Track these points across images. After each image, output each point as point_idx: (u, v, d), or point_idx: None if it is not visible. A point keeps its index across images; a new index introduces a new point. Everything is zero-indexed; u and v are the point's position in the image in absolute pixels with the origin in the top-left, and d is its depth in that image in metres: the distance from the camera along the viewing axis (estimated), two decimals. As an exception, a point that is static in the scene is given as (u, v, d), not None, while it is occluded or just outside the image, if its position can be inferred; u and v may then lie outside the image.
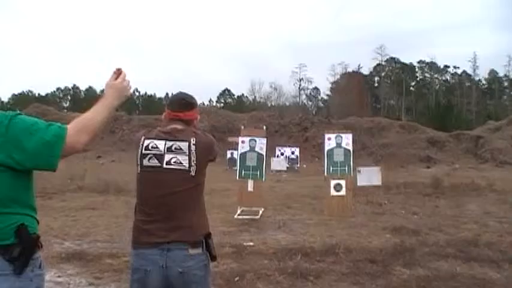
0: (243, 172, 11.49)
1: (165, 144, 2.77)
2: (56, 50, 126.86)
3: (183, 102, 2.94)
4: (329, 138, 11.94)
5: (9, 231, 1.98)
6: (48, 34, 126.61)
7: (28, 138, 1.97)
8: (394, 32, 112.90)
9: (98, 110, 2.25)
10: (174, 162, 2.74)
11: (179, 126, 2.86)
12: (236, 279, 5.81)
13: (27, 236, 2.02)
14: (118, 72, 2.42)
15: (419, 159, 33.89)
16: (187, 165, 2.74)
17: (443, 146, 36.95)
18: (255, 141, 11.56)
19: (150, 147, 2.78)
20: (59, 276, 6.03)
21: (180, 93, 3.04)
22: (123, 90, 2.40)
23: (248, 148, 11.54)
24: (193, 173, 2.75)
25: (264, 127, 12.86)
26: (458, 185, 16.37)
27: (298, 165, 28.82)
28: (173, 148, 2.76)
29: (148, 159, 2.76)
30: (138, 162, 2.80)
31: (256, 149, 11.50)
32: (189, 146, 2.76)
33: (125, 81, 2.42)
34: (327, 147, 11.90)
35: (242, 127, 12.72)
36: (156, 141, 2.79)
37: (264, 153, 11.59)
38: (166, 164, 2.74)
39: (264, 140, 11.70)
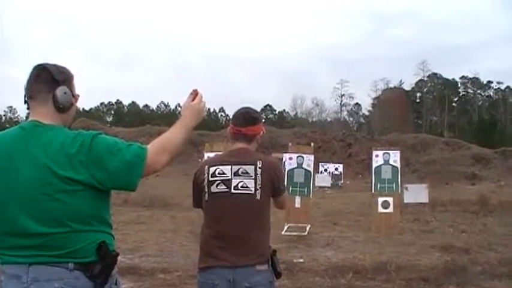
0: (290, 188, 11.58)
1: (231, 168, 2.82)
2: (99, 64, 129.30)
3: (246, 117, 2.96)
4: (377, 155, 11.97)
5: (90, 249, 2.03)
6: (93, 48, 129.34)
7: (110, 158, 2.02)
8: (436, 47, 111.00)
9: (176, 130, 2.28)
10: (242, 186, 2.79)
11: (244, 146, 2.92)
12: (290, 296, 5.94)
13: (108, 253, 2.07)
14: (195, 94, 2.44)
15: (464, 176, 33.32)
16: (253, 189, 2.79)
17: (488, 163, 36.28)
18: (303, 158, 11.68)
19: (217, 173, 2.83)
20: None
21: (244, 108, 3.05)
22: (200, 111, 2.42)
23: (296, 165, 11.65)
24: (258, 197, 2.80)
25: (312, 144, 12.98)
26: (505, 202, 16.09)
27: (342, 182, 28.75)
28: (240, 172, 2.81)
29: (217, 186, 2.82)
30: (206, 190, 2.85)
31: (304, 166, 11.62)
32: (255, 170, 2.82)
33: (201, 103, 2.44)
34: (374, 164, 11.93)
35: (290, 144, 12.86)
36: (222, 167, 2.84)
37: (312, 170, 11.71)
38: (234, 189, 2.80)
39: (312, 157, 11.82)
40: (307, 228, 11.21)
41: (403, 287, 6.34)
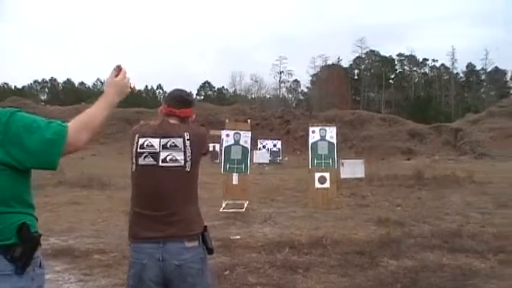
0: (227, 166, 11.50)
1: (160, 142, 2.77)
2: (33, 42, 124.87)
3: (180, 99, 2.94)
4: (313, 131, 12.01)
5: (10, 231, 1.94)
6: (26, 25, 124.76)
7: (28, 136, 1.92)
8: (374, 25, 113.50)
9: (98, 107, 2.21)
10: (170, 159, 2.74)
11: (172, 121, 2.87)
12: (226, 272, 5.83)
13: (30, 235, 1.99)
14: (118, 69, 2.38)
15: (400, 151, 34.25)
16: (182, 162, 2.75)
17: (423, 138, 37.38)
18: (240, 134, 11.58)
19: (145, 145, 2.78)
20: (46, 274, 5.96)
21: (179, 89, 3.04)
22: (124, 87, 2.36)
23: (233, 141, 11.55)
24: (188, 169, 2.76)
25: (249, 121, 12.86)
26: (439, 176, 16.56)
27: (281, 158, 28.94)
28: (168, 145, 2.76)
29: (144, 158, 2.76)
30: (133, 161, 2.80)
31: (241, 143, 11.53)
32: (184, 142, 2.77)
33: (125, 78, 2.38)
34: (311, 140, 11.97)
35: (227, 121, 12.71)
36: (150, 140, 2.78)
37: (249, 147, 11.63)
38: (162, 162, 2.75)
39: (249, 134, 11.74)
40: (245, 205, 11.16)
41: (338, 261, 6.33)
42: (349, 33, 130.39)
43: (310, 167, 11.83)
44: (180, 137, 2.78)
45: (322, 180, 11.55)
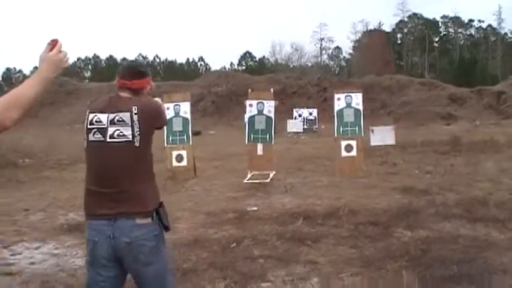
0: (252, 136, 11.36)
1: (108, 117, 2.71)
2: (75, 20, 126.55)
3: (132, 71, 2.86)
4: (338, 99, 11.69)
5: None
6: (68, 4, 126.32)
7: None
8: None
9: (30, 84, 2.15)
10: (118, 135, 2.68)
11: (123, 95, 2.79)
12: (233, 245, 5.74)
13: None
14: (53, 44, 2.28)
15: (440, 116, 33.30)
16: (130, 137, 2.68)
17: (464, 103, 36.23)
18: (263, 104, 11.37)
19: (94, 121, 2.73)
20: (56, 248, 6.02)
21: (131, 61, 3.04)
22: (59, 62, 2.27)
23: (256, 111, 11.38)
24: (137, 144, 2.69)
25: (272, 89, 12.62)
26: (476, 142, 16.01)
27: (317, 127, 28.58)
28: (116, 120, 2.70)
29: (93, 134, 2.72)
30: (85, 137, 2.76)
31: (265, 112, 11.34)
32: (131, 116, 2.69)
33: (60, 53, 2.28)
34: (336, 108, 11.66)
35: (250, 90, 12.50)
36: (99, 115, 2.73)
37: (273, 116, 11.43)
38: (109, 138, 2.69)
39: (272, 103, 11.52)
40: (271, 176, 11.04)
41: (350, 232, 6.14)
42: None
43: (336, 135, 11.56)
44: (127, 111, 2.70)
45: (348, 148, 11.28)
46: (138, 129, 2.67)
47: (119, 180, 2.68)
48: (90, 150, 2.75)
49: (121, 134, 2.67)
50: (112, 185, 2.67)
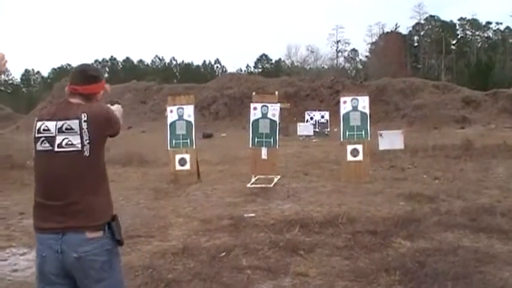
0: (256, 140, 11.17)
1: (56, 125, 2.54)
2: (93, 22, 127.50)
3: (84, 75, 2.69)
4: (344, 102, 11.40)
5: None
6: (86, 7, 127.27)
7: None
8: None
9: None
10: (66, 144, 2.52)
11: (74, 101, 2.62)
12: (222, 254, 5.52)
13: None
14: None
15: (454, 120, 32.77)
16: (79, 146, 2.51)
17: (479, 106, 35.61)
18: (267, 107, 11.16)
19: (41, 129, 2.57)
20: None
21: (83, 64, 2.81)
22: None
23: (260, 115, 11.18)
24: (87, 153, 2.53)
25: (276, 92, 12.40)
26: (489, 146, 15.63)
27: (328, 130, 28.24)
28: (64, 128, 2.54)
29: (41, 143, 2.56)
30: (33, 146, 2.60)
31: (269, 116, 11.14)
32: (80, 124, 2.52)
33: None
34: (342, 111, 11.37)
35: (254, 93, 12.29)
36: (47, 123, 2.58)
37: (277, 120, 11.22)
38: (58, 147, 2.53)
39: (277, 106, 11.32)
40: (275, 180, 10.84)
41: (346, 241, 5.89)
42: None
43: (341, 139, 11.28)
44: (76, 118, 2.53)
45: (354, 153, 11.01)
46: (87, 138, 2.52)
47: (68, 192, 2.51)
48: (38, 161, 2.59)
49: (69, 143, 2.51)
50: (60, 197, 2.51)
